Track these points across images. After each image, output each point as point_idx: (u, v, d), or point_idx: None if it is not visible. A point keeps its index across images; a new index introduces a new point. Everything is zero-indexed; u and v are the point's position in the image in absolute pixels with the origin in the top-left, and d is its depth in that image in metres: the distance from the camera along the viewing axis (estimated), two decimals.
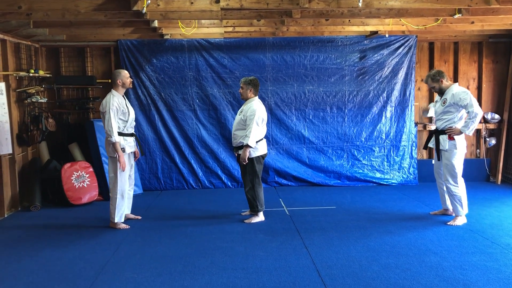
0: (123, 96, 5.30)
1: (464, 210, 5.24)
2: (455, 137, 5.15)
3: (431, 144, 5.47)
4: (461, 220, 5.23)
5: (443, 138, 5.24)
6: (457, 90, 5.15)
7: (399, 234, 4.88)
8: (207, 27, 6.46)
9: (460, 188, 5.18)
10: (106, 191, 6.70)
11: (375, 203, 6.37)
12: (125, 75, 5.27)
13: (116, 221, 5.24)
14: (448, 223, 5.22)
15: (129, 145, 5.33)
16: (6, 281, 3.83)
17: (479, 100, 7.79)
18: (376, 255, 4.24)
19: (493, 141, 7.79)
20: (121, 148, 5.16)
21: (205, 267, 4.02)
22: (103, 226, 5.38)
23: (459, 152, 5.17)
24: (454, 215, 5.33)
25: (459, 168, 5.19)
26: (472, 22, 6.21)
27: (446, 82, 5.28)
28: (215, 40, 7.36)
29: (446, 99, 5.22)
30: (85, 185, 6.53)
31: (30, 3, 4.78)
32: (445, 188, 5.36)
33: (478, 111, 4.98)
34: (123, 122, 5.24)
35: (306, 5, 4.88)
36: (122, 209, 5.28)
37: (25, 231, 5.29)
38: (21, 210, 6.28)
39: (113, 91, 5.24)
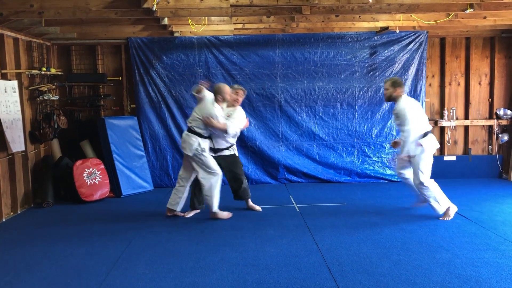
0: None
1: (443, 205, 5.22)
2: (421, 140, 5.11)
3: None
4: (451, 211, 5.23)
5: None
6: (400, 107, 5.10)
7: (410, 231, 4.85)
8: (217, 24, 6.47)
9: (430, 188, 5.18)
10: (117, 188, 6.76)
11: (386, 199, 6.34)
12: (227, 91, 5.43)
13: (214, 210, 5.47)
14: (441, 218, 5.23)
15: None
16: (19, 276, 3.88)
17: (491, 96, 7.73)
18: (387, 252, 4.23)
19: (506, 137, 7.71)
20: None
21: (216, 263, 4.04)
22: (115, 222, 5.42)
23: (426, 154, 5.15)
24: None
25: (426, 169, 5.18)
26: (484, 17, 6.14)
27: (400, 92, 5.20)
28: (225, 37, 7.36)
29: (396, 113, 5.20)
30: (97, 182, 6.58)
31: (41, 1, 4.85)
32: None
33: (408, 131, 4.99)
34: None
35: (316, 1, 4.88)
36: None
37: (38, 228, 5.35)
38: (34, 206, 6.35)
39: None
